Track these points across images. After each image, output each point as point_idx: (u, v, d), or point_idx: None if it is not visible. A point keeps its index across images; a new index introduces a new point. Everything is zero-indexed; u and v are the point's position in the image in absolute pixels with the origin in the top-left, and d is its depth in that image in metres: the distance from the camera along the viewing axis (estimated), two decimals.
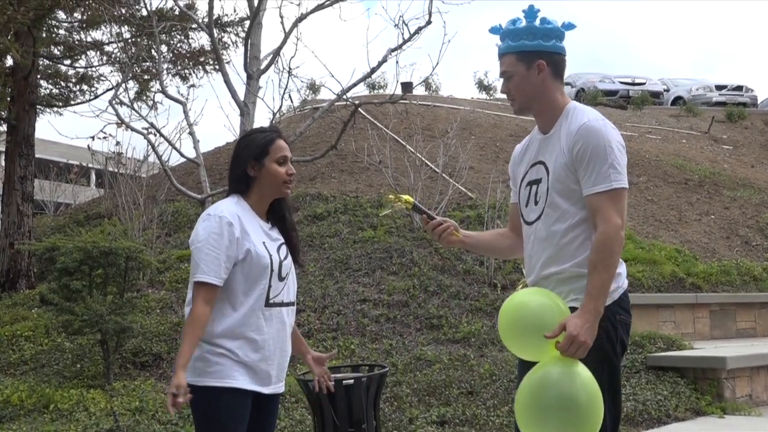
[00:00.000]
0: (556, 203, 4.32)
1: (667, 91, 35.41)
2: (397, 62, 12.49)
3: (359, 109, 13.01)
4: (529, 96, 4.47)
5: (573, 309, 4.09)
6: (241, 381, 4.49)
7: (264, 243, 4.62)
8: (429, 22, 11.96)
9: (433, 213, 4.91)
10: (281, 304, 4.68)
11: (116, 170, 17.74)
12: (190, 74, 19.15)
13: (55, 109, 19.06)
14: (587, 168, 4.20)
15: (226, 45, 18.38)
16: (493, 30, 4.60)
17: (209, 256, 4.46)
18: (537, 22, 4.46)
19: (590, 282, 4.05)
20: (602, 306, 4.04)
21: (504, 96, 4.69)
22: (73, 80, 19.00)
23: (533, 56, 4.43)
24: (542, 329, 4.00)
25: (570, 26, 4.53)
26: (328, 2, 12.75)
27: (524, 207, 4.54)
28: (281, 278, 4.68)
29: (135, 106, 15.84)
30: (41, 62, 17.57)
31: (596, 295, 4.01)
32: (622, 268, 4.39)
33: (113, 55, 18.45)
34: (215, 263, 4.46)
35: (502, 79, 4.60)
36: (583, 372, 3.97)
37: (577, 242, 4.26)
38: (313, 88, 26.86)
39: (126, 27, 17.15)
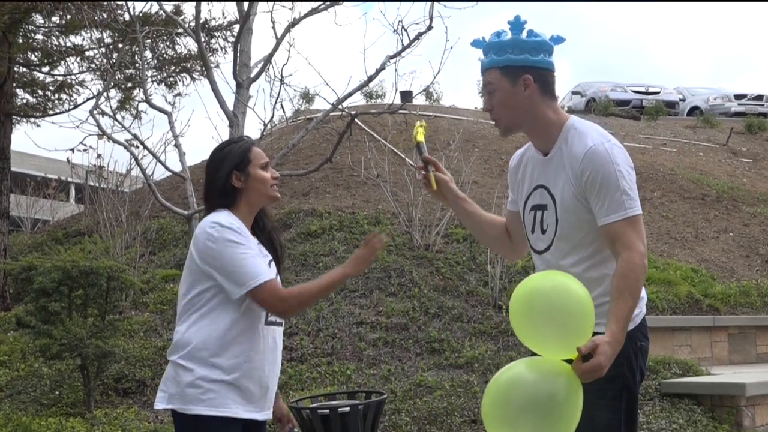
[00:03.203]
0: (568, 235, 4.34)
1: (683, 100, 35.47)
2: (396, 70, 12.51)
3: (356, 119, 13.07)
4: (515, 114, 4.43)
5: (594, 334, 4.01)
6: (235, 409, 4.50)
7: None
8: (430, 28, 12.02)
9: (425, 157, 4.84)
10: (275, 324, 4.71)
11: (97, 185, 17.78)
12: (175, 82, 19.19)
13: (33, 119, 19.09)
14: (599, 196, 4.20)
15: (214, 49, 18.43)
16: (476, 44, 4.55)
17: (246, 256, 4.51)
18: (524, 35, 4.41)
19: (618, 309, 4.02)
20: (625, 334, 4.02)
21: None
22: (52, 88, 19.02)
23: (519, 71, 4.37)
24: (558, 318, 3.97)
25: (559, 40, 4.48)
26: (322, 6, 12.80)
27: (530, 233, 4.54)
28: None
29: (117, 116, 15.91)
30: (17, 69, 17.60)
31: (624, 324, 4.00)
32: (643, 292, 4.40)
33: (94, 62, 18.50)
34: (257, 261, 4.53)
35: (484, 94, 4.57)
36: (569, 378, 3.95)
37: (590, 272, 4.29)
38: (307, 97, 26.87)
39: (108, 32, 17.20)
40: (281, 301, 4.51)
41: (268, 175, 4.75)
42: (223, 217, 4.59)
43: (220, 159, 4.76)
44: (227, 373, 4.49)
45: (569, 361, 3.96)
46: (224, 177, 4.70)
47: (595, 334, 4.01)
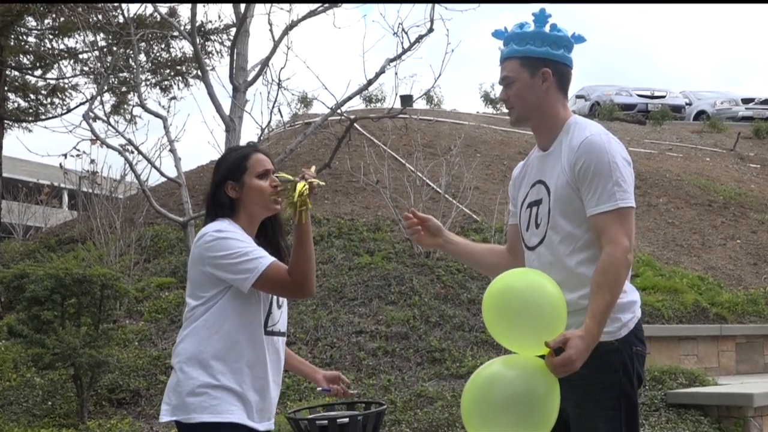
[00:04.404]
0: (559, 225, 4.35)
1: (689, 104, 35.48)
2: (396, 73, 12.49)
3: (355, 124, 13.07)
4: (529, 106, 4.47)
5: None
6: (239, 415, 4.49)
7: None
8: (431, 30, 12.02)
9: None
10: (278, 334, 4.69)
11: (91, 191, 17.78)
12: (170, 85, 19.21)
13: (25, 124, 19.10)
14: (590, 186, 4.23)
15: (210, 53, 18.45)
16: (497, 34, 4.60)
17: (250, 247, 4.46)
18: (547, 28, 4.46)
19: (594, 303, 4.04)
20: (602, 329, 4.05)
21: (506, 109, 4.66)
22: (44, 92, 19.05)
23: (539, 63, 4.43)
24: (530, 315, 4.04)
25: (580, 39, 4.53)
26: (320, 8, 12.80)
27: (525, 231, 4.56)
28: (279, 305, 4.71)
29: (111, 120, 15.88)
30: (9, 73, 17.62)
31: (600, 319, 4.03)
32: (636, 296, 4.42)
33: (88, 65, 18.51)
34: (260, 249, 4.48)
35: (501, 86, 4.59)
36: (548, 374, 4.01)
37: (583, 268, 4.28)
38: (305, 101, 26.93)
39: (101, 35, 17.21)
40: (288, 279, 4.43)
41: (266, 185, 4.65)
42: (224, 224, 4.55)
43: (218, 168, 4.72)
44: (228, 381, 4.46)
45: (544, 357, 4.01)
46: (221, 188, 4.65)
47: None
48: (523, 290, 4.11)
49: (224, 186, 4.65)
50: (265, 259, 4.43)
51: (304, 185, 4.39)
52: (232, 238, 4.47)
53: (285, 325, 4.81)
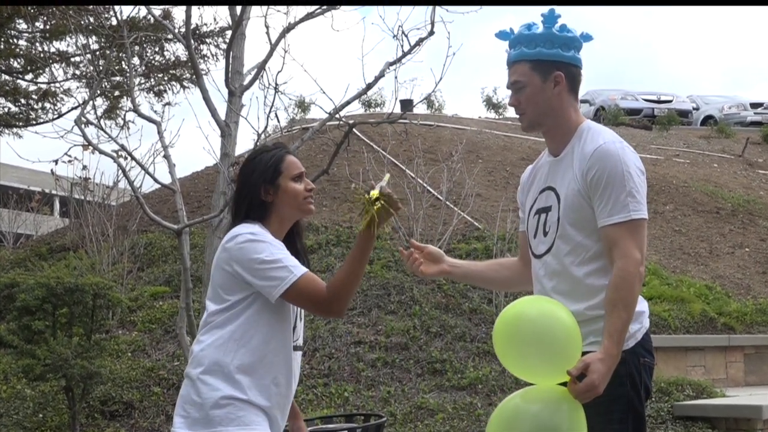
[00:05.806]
0: (569, 235, 4.33)
1: (697, 109, 35.45)
2: (395, 77, 12.43)
3: (354, 129, 13.05)
4: (542, 111, 4.44)
5: (588, 353, 4.06)
6: (264, 428, 4.42)
7: None
8: (431, 33, 11.98)
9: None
10: (298, 348, 4.64)
11: (83, 197, 17.75)
12: (165, 90, 19.20)
13: (15, 129, 19.09)
14: (603, 196, 4.20)
15: (206, 57, 18.44)
16: (502, 35, 4.56)
17: (283, 255, 4.39)
18: (556, 29, 4.43)
19: (611, 322, 4.04)
20: (621, 349, 4.05)
21: (516, 114, 4.62)
22: (35, 97, 19.04)
23: (550, 67, 4.40)
24: (544, 344, 4.01)
25: (587, 37, 4.51)
26: (318, 10, 12.78)
27: (532, 238, 4.54)
28: (301, 318, 4.66)
29: (104, 125, 15.86)
30: None
31: (617, 339, 4.02)
32: (644, 306, 4.40)
33: (80, 69, 18.51)
34: (293, 258, 4.42)
35: (510, 91, 4.55)
36: (570, 403, 3.99)
37: (592, 279, 4.27)
38: (303, 106, 26.92)
39: (94, 38, 17.20)
40: (322, 294, 4.38)
41: (300, 188, 4.62)
42: (257, 228, 4.47)
43: (251, 171, 4.62)
44: (255, 397, 4.38)
45: (565, 384, 3.99)
46: (253, 191, 4.58)
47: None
48: (535, 318, 4.08)
49: (259, 189, 4.60)
50: (297, 269, 4.37)
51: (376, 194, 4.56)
52: (266, 242, 4.40)
53: (302, 339, 4.76)
